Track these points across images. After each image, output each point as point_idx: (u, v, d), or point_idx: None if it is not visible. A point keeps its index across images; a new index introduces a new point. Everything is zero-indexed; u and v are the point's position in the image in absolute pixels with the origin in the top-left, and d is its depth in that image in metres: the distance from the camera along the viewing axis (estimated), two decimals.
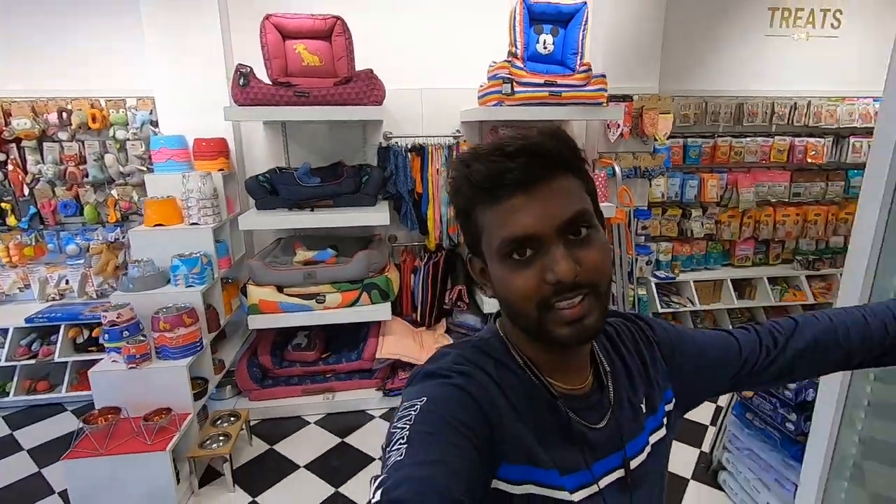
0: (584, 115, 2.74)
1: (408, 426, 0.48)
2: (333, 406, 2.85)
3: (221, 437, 2.31)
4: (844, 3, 3.55)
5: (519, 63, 2.56)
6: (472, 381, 0.55)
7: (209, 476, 2.30)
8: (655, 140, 3.26)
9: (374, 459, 2.44)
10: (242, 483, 2.27)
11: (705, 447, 2.45)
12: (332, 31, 2.46)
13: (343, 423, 2.75)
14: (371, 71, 2.55)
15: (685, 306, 3.54)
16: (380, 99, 2.60)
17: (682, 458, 2.40)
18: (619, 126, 3.14)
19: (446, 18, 3.12)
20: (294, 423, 2.75)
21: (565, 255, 0.52)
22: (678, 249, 3.63)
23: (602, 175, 2.93)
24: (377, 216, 2.68)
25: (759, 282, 3.66)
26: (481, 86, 2.84)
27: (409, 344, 2.92)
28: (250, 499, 2.18)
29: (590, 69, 2.62)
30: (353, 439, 2.60)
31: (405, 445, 0.46)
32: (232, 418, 2.47)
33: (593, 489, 0.58)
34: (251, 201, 2.84)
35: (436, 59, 3.14)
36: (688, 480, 2.26)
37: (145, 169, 2.97)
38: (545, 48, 2.60)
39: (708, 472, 2.29)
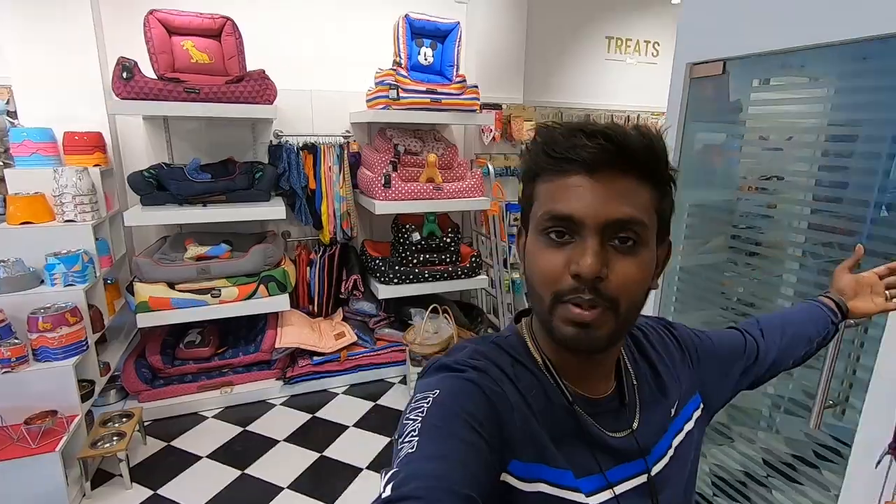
0: (462, 120, 3.13)
1: (420, 418, 0.48)
2: (232, 399, 2.89)
3: (115, 437, 2.26)
4: (661, 37, 4.44)
5: (403, 72, 2.86)
6: (485, 376, 0.54)
7: (101, 479, 2.24)
8: (522, 143, 3.78)
9: (278, 442, 2.56)
10: (140, 480, 2.25)
11: None
12: (222, 31, 2.53)
13: (244, 413, 2.81)
14: (263, 71, 2.65)
15: None
16: (272, 98, 2.72)
17: None
18: (491, 130, 3.60)
19: (333, 25, 3.31)
20: (191, 420, 2.74)
21: (596, 253, 0.49)
22: None
23: (478, 173, 3.34)
24: (273, 210, 2.80)
25: None
26: (369, 90, 3.09)
27: (308, 333, 3.05)
28: (151, 492, 2.19)
29: (465, 80, 3.02)
30: (256, 427, 2.69)
31: (417, 438, 0.46)
32: (124, 418, 2.41)
33: (609, 494, 0.57)
34: (133, 197, 2.76)
35: (324, 62, 3.31)
36: None
37: (1, 163, 2.72)
38: (426, 60, 2.93)
39: None
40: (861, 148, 1.52)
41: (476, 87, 3.07)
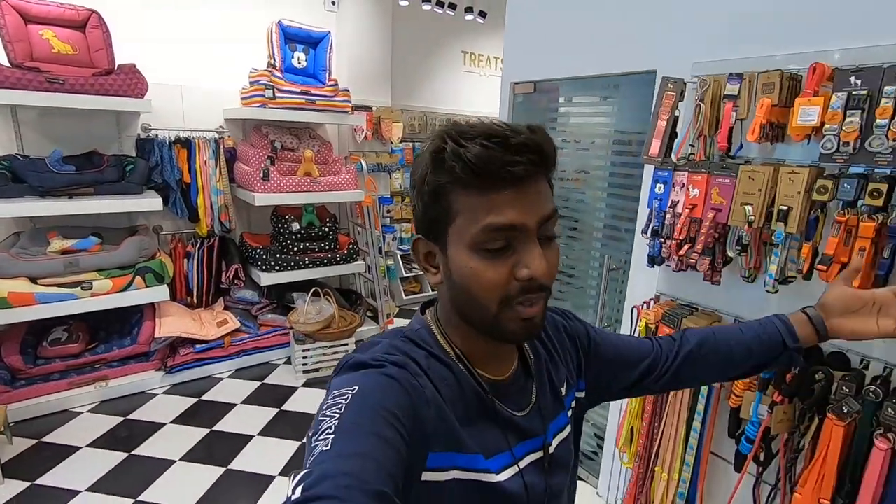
0: (335, 120, 3.45)
1: (337, 415, 0.47)
2: (108, 393, 2.86)
3: None
4: None
5: (278, 73, 3.09)
6: (404, 372, 0.55)
7: None
8: (391, 143, 4.21)
9: (165, 424, 2.64)
10: (14, 475, 2.21)
11: None
12: (87, 23, 2.53)
13: (124, 405, 2.81)
14: (134, 66, 2.70)
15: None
16: (143, 92, 2.77)
17: None
18: (363, 130, 3.97)
19: (205, 22, 3.38)
20: (63, 417, 2.68)
21: (542, 254, 0.53)
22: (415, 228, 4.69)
23: (353, 168, 3.69)
24: (149, 203, 2.84)
25: None
26: (244, 88, 3.26)
27: (188, 322, 3.13)
28: (28, 484, 2.17)
29: (337, 84, 3.34)
30: (139, 415, 2.73)
31: (332, 436, 0.45)
32: None
33: (514, 469, 0.61)
34: None
35: (196, 59, 3.37)
36: None
37: None
38: (300, 63, 3.20)
39: None
40: (636, 149, 2.16)
41: (347, 90, 3.41)
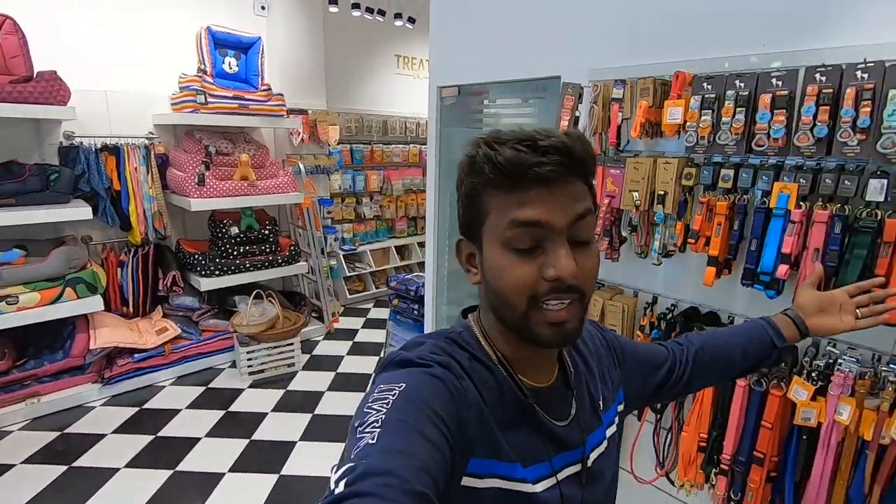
0: (270, 124, 3.50)
1: (384, 409, 0.48)
2: (41, 409, 2.77)
3: None
4: None
5: (209, 79, 3.10)
6: (450, 374, 0.56)
7: None
8: (329, 145, 4.28)
9: (106, 435, 2.61)
10: None
11: (382, 353, 3.60)
12: (1, 29, 2.46)
13: (59, 420, 2.74)
14: (55, 72, 2.64)
15: (365, 269, 4.74)
16: (65, 99, 2.71)
17: (367, 363, 3.48)
18: (299, 133, 4.02)
19: (128, 27, 3.32)
20: None
21: (569, 254, 0.53)
22: (356, 228, 4.78)
23: (290, 171, 3.74)
24: (77, 212, 2.78)
25: (412, 246, 5.20)
26: (174, 94, 3.24)
27: (125, 332, 3.07)
28: None
29: (270, 88, 3.39)
30: (77, 428, 2.67)
31: (379, 430, 0.46)
32: None
33: (552, 481, 0.60)
34: None
35: (121, 64, 3.30)
36: (371, 375, 3.34)
37: None
38: (231, 69, 3.22)
39: None
40: None
41: (281, 94, 3.47)
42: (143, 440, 2.57)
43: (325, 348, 3.79)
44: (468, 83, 2.49)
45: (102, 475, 2.30)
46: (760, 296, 1.45)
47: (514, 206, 0.54)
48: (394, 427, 0.47)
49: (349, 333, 4.07)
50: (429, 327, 2.94)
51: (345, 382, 3.26)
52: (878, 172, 1.22)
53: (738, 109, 1.39)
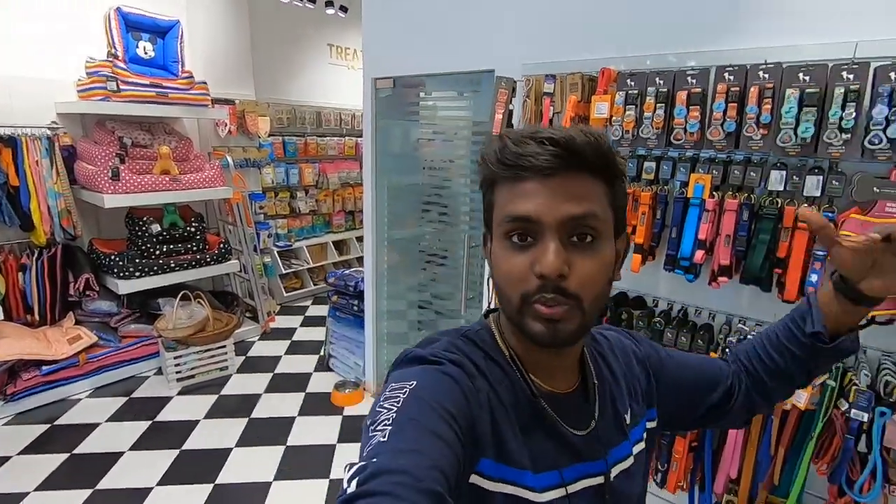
0: (193, 114, 3.28)
1: (395, 408, 0.48)
2: None
3: None
4: None
5: (122, 64, 2.86)
6: (462, 372, 0.56)
7: None
8: (259, 137, 4.09)
9: (10, 458, 2.36)
10: None
11: (321, 352, 3.51)
12: None
13: None
14: None
15: (302, 266, 4.60)
16: None
17: (307, 362, 3.39)
18: (226, 125, 3.81)
19: (25, 1, 2.98)
20: None
21: (557, 251, 0.51)
22: (292, 223, 4.62)
23: (217, 164, 3.53)
24: None
25: (350, 241, 5.10)
26: (81, 80, 2.95)
27: (30, 343, 2.78)
28: None
29: (192, 76, 3.18)
30: None
31: (390, 428, 0.46)
32: None
33: (561, 492, 0.58)
34: None
35: (17, 47, 2.96)
36: (311, 374, 3.26)
37: None
38: (146, 53, 2.99)
39: (324, 363, 3.34)
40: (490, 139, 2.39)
41: (205, 83, 3.26)
42: (57, 459, 2.35)
43: (260, 349, 3.64)
44: (403, 75, 2.47)
45: (8, 502, 2.08)
46: (681, 280, 1.56)
47: (512, 199, 0.54)
48: (405, 425, 0.47)
49: (287, 332, 3.93)
50: (369, 323, 2.91)
51: (283, 383, 3.15)
52: (778, 164, 1.34)
53: (658, 105, 1.47)
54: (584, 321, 0.54)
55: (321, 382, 3.16)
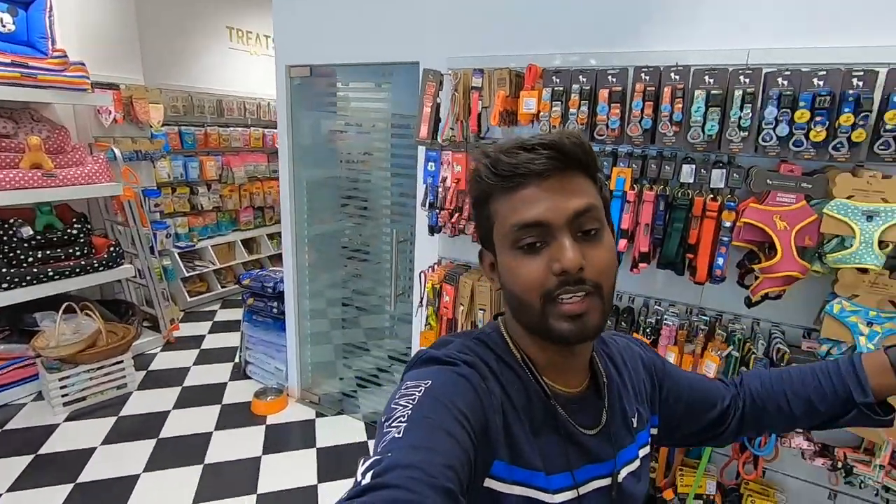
0: (69, 99, 2.86)
1: (410, 405, 0.49)
2: None
3: None
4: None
5: None
6: (476, 373, 0.56)
7: None
8: (151, 127, 3.68)
9: None
10: None
11: (236, 359, 3.27)
12: None
13: None
14: None
15: (207, 267, 4.24)
16: None
17: (220, 372, 3.14)
18: (110, 112, 3.37)
19: None
20: None
21: (573, 247, 0.53)
22: (193, 222, 4.24)
23: (102, 157, 3.12)
24: None
25: (261, 238, 4.81)
26: None
27: None
28: None
29: (65, 55, 2.76)
30: None
31: (405, 424, 0.47)
32: None
33: (573, 493, 0.59)
34: None
35: None
36: (226, 384, 3.02)
37: None
38: (4, 27, 2.54)
39: (241, 371, 3.12)
40: (411, 132, 2.33)
41: (83, 64, 2.85)
42: None
43: (164, 361, 3.31)
44: (321, 63, 2.35)
45: None
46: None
47: (515, 208, 0.55)
48: (419, 423, 0.47)
49: (194, 341, 3.61)
50: (291, 324, 2.76)
51: (194, 397, 2.89)
52: (688, 159, 1.47)
53: (582, 102, 1.54)
54: (605, 310, 0.56)
55: (239, 392, 2.94)
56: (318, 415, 2.76)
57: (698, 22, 1.49)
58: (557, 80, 1.58)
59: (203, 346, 3.53)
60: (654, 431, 0.74)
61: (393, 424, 0.47)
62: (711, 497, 1.60)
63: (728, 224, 1.40)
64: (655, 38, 1.55)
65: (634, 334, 1.62)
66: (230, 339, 3.57)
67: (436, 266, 2.06)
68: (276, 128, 4.87)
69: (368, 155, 2.65)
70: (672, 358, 1.53)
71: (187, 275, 4.05)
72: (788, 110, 1.29)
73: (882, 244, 1.23)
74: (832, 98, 1.25)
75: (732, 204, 1.40)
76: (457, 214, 1.84)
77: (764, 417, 0.75)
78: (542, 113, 1.60)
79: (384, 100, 2.49)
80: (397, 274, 2.34)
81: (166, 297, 3.67)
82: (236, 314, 4.01)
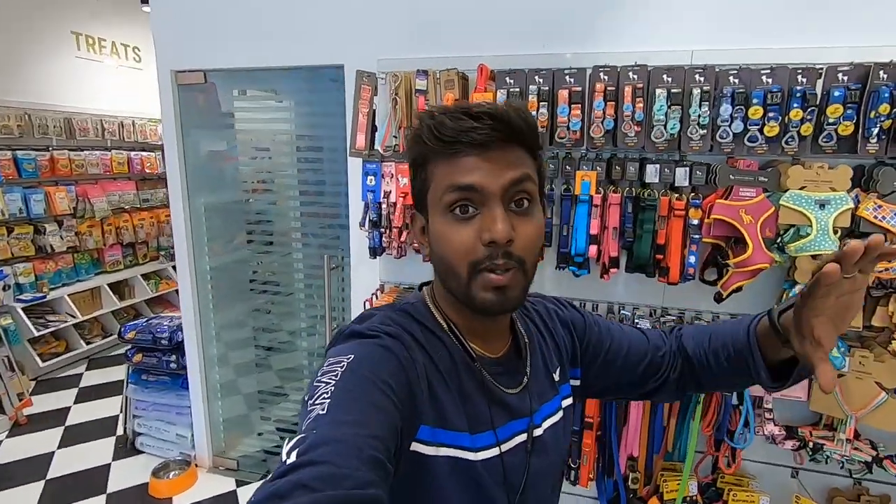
0: None
1: (333, 381, 0.49)
2: None
3: None
4: (142, 44, 4.33)
5: None
6: (399, 343, 0.56)
7: None
8: None
9: None
10: None
11: (119, 431, 2.65)
12: None
13: None
14: None
15: (65, 322, 3.44)
16: None
17: (98, 451, 2.51)
18: None
19: None
20: None
21: (504, 219, 0.54)
22: (41, 267, 3.43)
23: None
24: None
25: (134, 281, 4.06)
26: None
27: None
28: None
29: None
30: None
31: (328, 401, 0.46)
32: None
33: (495, 451, 0.60)
34: None
35: None
36: (110, 465, 2.42)
37: None
38: None
39: (128, 446, 2.52)
40: (332, 144, 2.06)
41: None
42: None
43: (14, 450, 2.56)
44: (220, 68, 2.00)
45: None
46: (567, 277, 1.58)
47: (452, 172, 0.55)
48: (343, 397, 0.47)
49: (55, 417, 2.87)
50: (195, 378, 2.30)
51: (64, 491, 2.25)
52: (650, 159, 1.45)
53: (541, 104, 1.46)
54: (526, 284, 0.58)
55: (129, 473, 2.37)
56: (240, 483, 2.32)
57: (640, 22, 1.50)
58: (511, 82, 1.48)
59: (69, 422, 2.81)
60: (575, 383, 0.75)
61: (317, 402, 0.47)
62: (694, 497, 1.59)
63: (696, 222, 1.40)
64: (616, 37, 1.53)
65: None
66: (106, 408, 2.91)
67: (379, 292, 1.83)
68: (145, 150, 4.22)
69: (273, 174, 2.35)
70: None
71: (37, 334, 3.23)
72: (742, 107, 1.33)
73: (834, 230, 1.30)
74: (782, 94, 1.30)
75: (698, 201, 1.40)
76: (406, 232, 1.64)
77: (702, 373, 0.74)
78: None
79: (292, 110, 2.21)
80: (330, 305, 2.05)
81: (9, 365, 2.88)
82: (110, 375, 3.32)
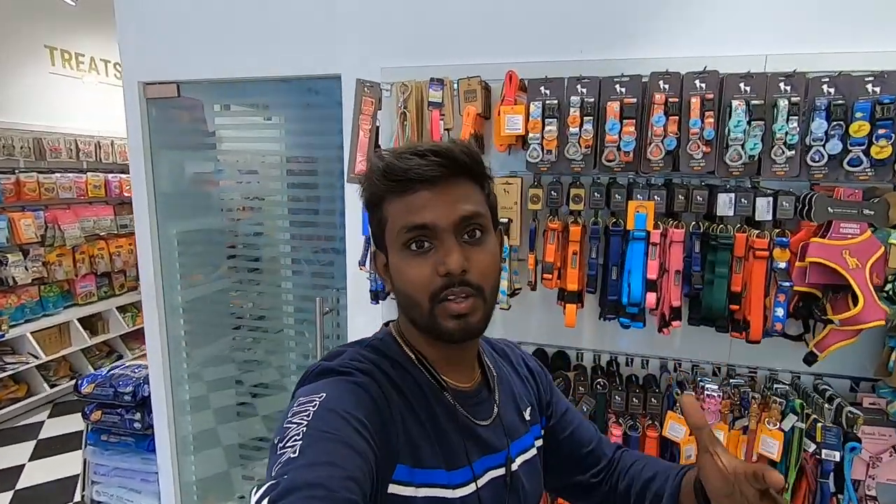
0: None
1: (305, 422, 0.48)
2: None
3: None
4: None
5: None
6: (371, 380, 0.57)
7: None
8: None
9: None
10: None
11: (77, 497, 2.30)
12: None
13: None
14: None
15: (26, 363, 3.09)
16: None
17: None
18: None
19: None
20: None
21: (457, 250, 0.56)
22: (1, 302, 3.09)
23: None
24: None
25: (108, 313, 3.72)
26: None
27: None
28: None
29: None
30: None
31: (300, 442, 0.46)
32: None
33: (472, 487, 0.60)
34: None
35: None
36: None
37: None
38: None
39: None
40: (326, 168, 1.77)
41: None
42: None
43: None
44: (194, 79, 1.72)
45: None
46: (610, 326, 1.29)
47: (405, 211, 0.57)
48: (316, 439, 0.46)
49: (6, 479, 2.50)
50: (163, 432, 1.96)
51: None
52: (727, 187, 1.17)
53: (585, 119, 1.19)
54: (486, 310, 0.59)
55: None
56: None
57: (693, 24, 1.24)
58: (548, 92, 1.21)
59: (20, 485, 2.45)
60: (542, 432, 0.75)
61: (287, 445, 0.46)
62: None
63: (783, 265, 1.12)
64: (669, 37, 1.26)
65: (670, 415, 1.26)
66: (66, 466, 2.55)
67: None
68: (124, 172, 3.92)
69: (259, 200, 2.06)
70: (721, 436, 1.19)
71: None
72: (841, 122, 1.06)
73: None
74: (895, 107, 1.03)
75: (784, 240, 1.12)
76: None
77: (629, 499, 0.73)
78: (531, 134, 1.20)
79: (291, 128, 1.93)
80: (322, 346, 1.74)
81: None
82: (75, 423, 2.95)
